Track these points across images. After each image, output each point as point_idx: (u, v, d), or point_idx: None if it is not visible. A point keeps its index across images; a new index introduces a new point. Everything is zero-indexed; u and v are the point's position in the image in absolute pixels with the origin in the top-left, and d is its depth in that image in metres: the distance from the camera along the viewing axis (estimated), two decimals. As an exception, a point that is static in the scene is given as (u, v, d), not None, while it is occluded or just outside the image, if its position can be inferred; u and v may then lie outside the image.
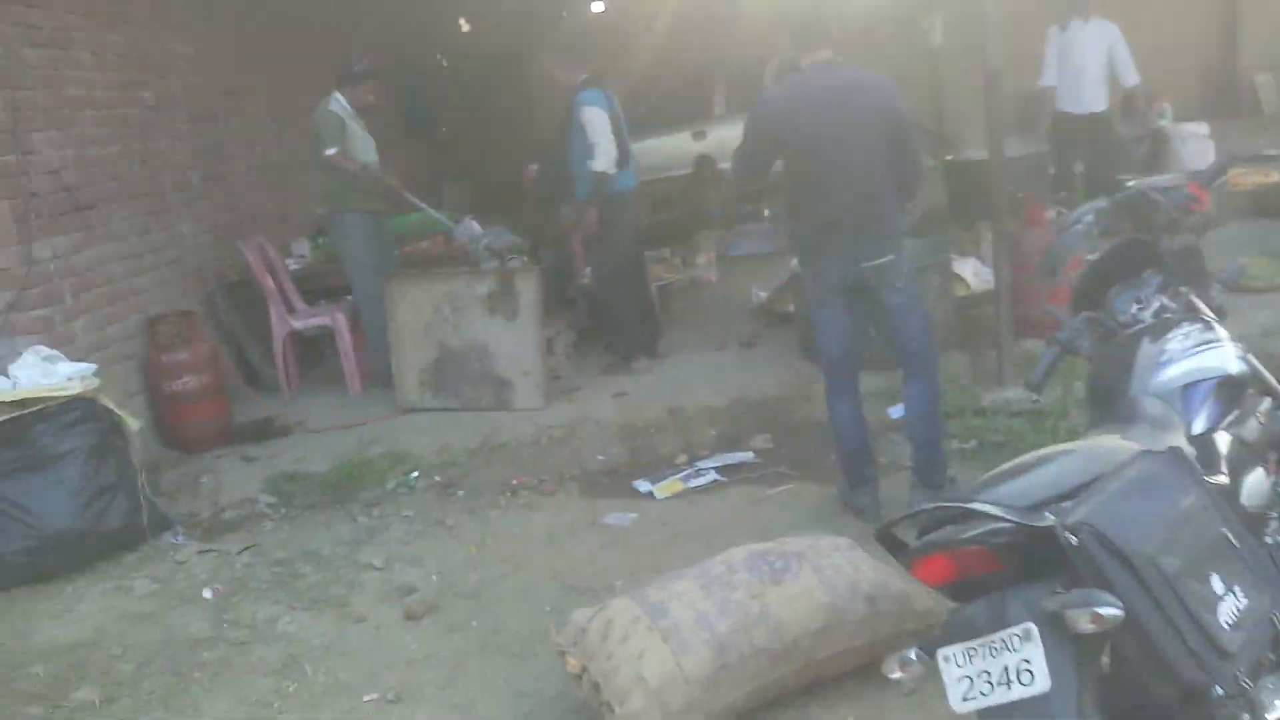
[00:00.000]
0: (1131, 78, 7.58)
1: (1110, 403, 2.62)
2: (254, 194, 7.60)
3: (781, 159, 3.85)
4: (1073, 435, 4.57)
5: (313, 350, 7.08)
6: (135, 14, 6.17)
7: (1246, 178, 8.64)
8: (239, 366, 6.55)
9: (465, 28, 13.92)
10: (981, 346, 5.56)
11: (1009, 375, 5.09)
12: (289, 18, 8.91)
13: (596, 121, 5.58)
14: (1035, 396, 2.93)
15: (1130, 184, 3.18)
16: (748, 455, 4.87)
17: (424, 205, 6.48)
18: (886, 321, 3.95)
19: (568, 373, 6.04)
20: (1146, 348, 2.60)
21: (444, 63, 13.97)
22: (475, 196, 12.96)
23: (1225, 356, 2.54)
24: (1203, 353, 2.55)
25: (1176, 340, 2.58)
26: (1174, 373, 2.50)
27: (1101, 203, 3.02)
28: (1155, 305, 2.85)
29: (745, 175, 4.05)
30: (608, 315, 5.97)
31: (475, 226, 8.14)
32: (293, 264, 7.39)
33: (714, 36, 13.32)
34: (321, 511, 4.77)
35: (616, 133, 5.64)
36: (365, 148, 6.13)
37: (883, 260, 3.79)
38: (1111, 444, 2.11)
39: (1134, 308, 2.88)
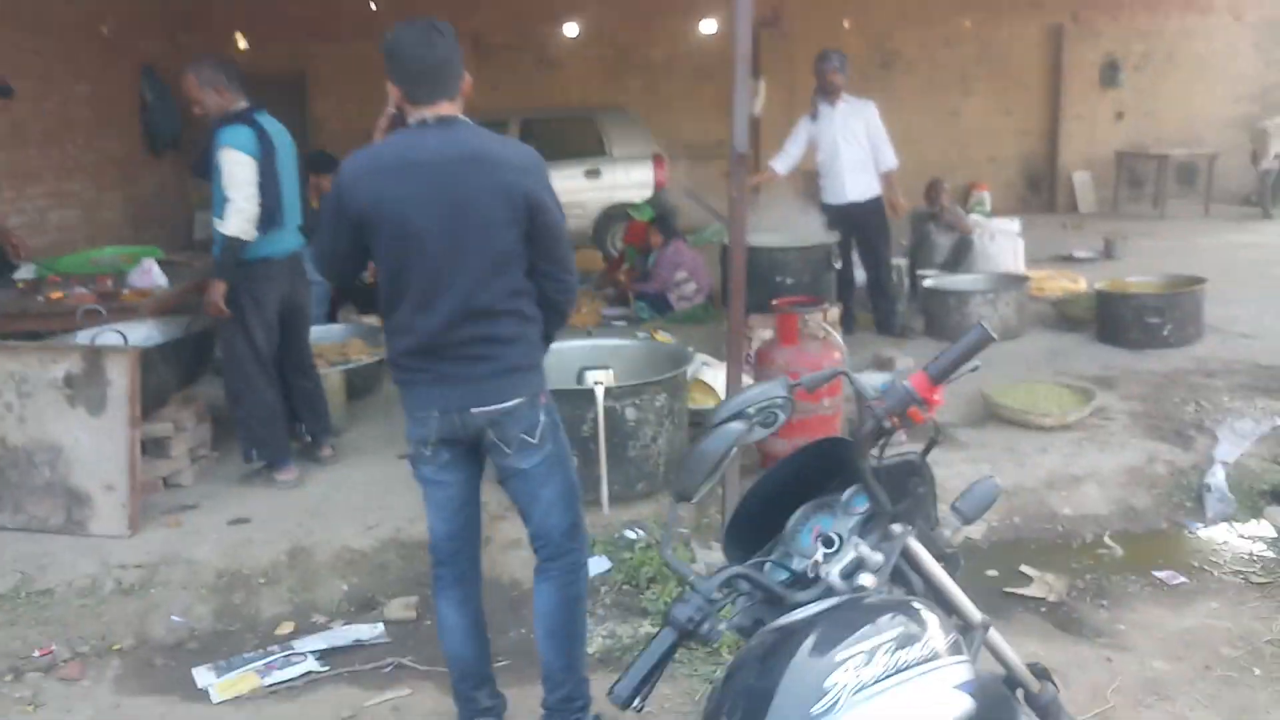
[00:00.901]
0: (886, 161, 6.70)
1: None
2: None
3: (372, 253, 2.61)
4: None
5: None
6: None
7: (1052, 282, 7.97)
8: None
9: (242, 44, 12.34)
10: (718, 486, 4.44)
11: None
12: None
13: (235, 169, 4.23)
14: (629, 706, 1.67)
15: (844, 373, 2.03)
16: (374, 630, 3.57)
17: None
18: (509, 493, 2.75)
19: (192, 480, 4.63)
20: (803, 665, 1.47)
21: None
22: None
23: (934, 700, 1.45)
24: (895, 692, 1.44)
25: (855, 660, 1.45)
26: None
27: (778, 389, 1.89)
28: (850, 556, 1.75)
29: (330, 275, 2.80)
30: (237, 414, 4.58)
31: (156, 272, 6.67)
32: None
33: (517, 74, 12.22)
34: None
35: (268, 185, 4.30)
36: None
37: (502, 406, 2.58)
38: None
39: (820, 551, 1.77)
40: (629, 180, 10.46)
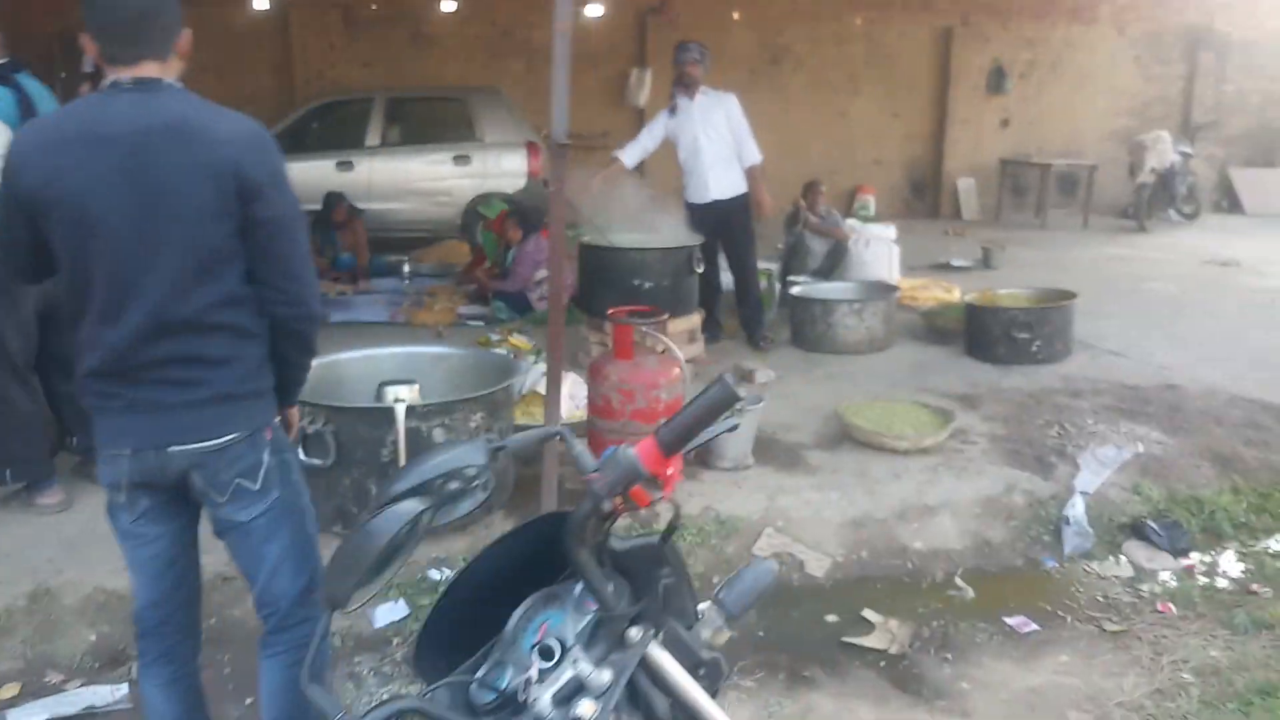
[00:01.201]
0: (750, 155, 6.29)
1: None
2: None
3: (50, 246, 2.07)
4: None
5: None
6: None
7: (926, 292, 7.76)
8: None
9: None
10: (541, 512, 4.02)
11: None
12: None
13: None
14: None
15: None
16: (114, 694, 3.04)
17: None
18: (228, 549, 2.27)
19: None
20: None
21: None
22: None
23: None
24: None
25: None
26: None
27: (476, 455, 1.47)
28: (567, 675, 1.35)
29: (12, 274, 2.24)
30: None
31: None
32: None
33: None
34: None
35: None
36: None
37: (210, 444, 2.09)
38: None
39: (537, 666, 1.36)
40: (500, 168, 9.92)
